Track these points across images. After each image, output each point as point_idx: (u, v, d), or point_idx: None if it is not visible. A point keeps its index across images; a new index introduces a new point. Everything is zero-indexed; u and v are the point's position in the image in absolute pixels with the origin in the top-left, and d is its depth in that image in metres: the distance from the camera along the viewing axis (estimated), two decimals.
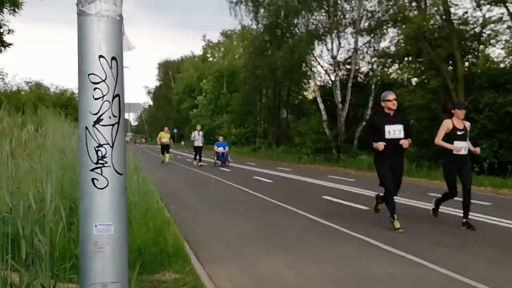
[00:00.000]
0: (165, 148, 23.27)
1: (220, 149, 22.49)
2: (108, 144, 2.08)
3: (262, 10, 28.39)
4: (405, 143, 6.73)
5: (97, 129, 2.06)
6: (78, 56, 2.09)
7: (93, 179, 2.06)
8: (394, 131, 6.71)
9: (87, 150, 2.06)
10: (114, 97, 2.10)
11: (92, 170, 2.06)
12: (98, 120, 2.06)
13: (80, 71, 2.08)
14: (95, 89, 2.06)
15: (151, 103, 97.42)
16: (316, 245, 5.87)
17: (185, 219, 7.46)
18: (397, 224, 6.70)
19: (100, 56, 2.07)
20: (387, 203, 6.94)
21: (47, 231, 3.37)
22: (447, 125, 7.00)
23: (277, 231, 6.80)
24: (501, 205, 9.82)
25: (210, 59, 65.01)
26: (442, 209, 8.78)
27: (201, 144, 22.26)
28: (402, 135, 6.74)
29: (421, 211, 8.79)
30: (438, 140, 7.10)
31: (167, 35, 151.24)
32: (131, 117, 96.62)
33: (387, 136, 6.69)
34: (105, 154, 2.07)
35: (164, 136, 23.12)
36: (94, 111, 2.06)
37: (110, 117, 2.09)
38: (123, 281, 2.15)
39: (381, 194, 7.25)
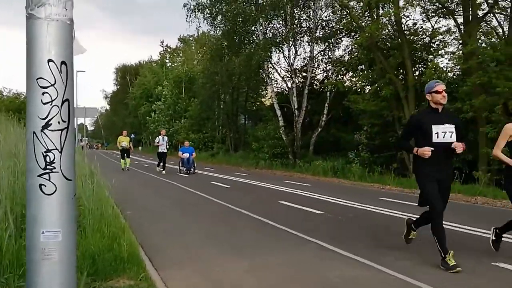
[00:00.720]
0: (124, 152, 22.11)
1: (186, 155, 20.66)
2: (56, 149, 2.05)
3: (219, 17, 28.44)
4: (459, 146, 5.13)
5: (45, 134, 2.03)
6: (27, 60, 2.06)
7: (40, 185, 2.03)
8: (444, 132, 5.17)
9: (35, 156, 2.03)
10: (63, 102, 2.08)
11: (39, 175, 2.03)
12: (46, 125, 2.03)
13: (29, 75, 2.05)
14: (43, 93, 2.03)
15: (108, 107, 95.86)
16: (273, 249, 5.93)
17: (141, 225, 7.38)
18: (451, 261, 4.92)
19: (49, 60, 2.04)
20: (434, 232, 5.19)
21: None
22: (509, 131, 5.39)
23: (233, 236, 6.82)
24: (448, 208, 10.17)
25: (169, 64, 64.52)
26: (396, 213, 9.08)
27: (165, 150, 20.88)
28: (454, 138, 5.18)
29: (373, 215, 9.02)
30: (497, 152, 5.47)
31: (125, 39, 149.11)
32: (87, 121, 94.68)
33: (434, 139, 5.14)
34: (53, 160, 2.04)
35: (123, 140, 22.08)
36: (43, 116, 2.03)
37: (59, 122, 2.06)
38: None
39: (413, 219, 5.96)
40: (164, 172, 20.24)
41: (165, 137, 21.22)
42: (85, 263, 4.19)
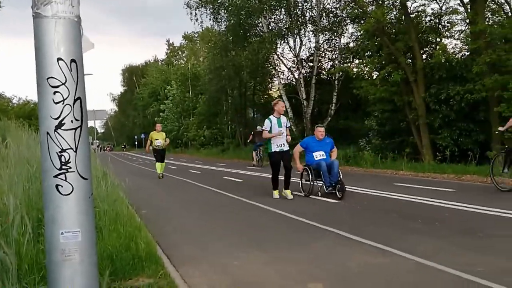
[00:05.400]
0: (160, 154, 16.12)
1: (319, 155, 9.93)
2: (71, 148, 2.03)
3: (222, 12, 28.32)
4: None
5: (59, 134, 2.01)
6: (36, 60, 2.03)
7: (57, 186, 2.00)
8: None
9: (50, 156, 2.00)
10: (75, 101, 2.05)
11: (55, 176, 2.00)
12: (59, 125, 2.01)
13: (39, 75, 2.02)
14: (55, 93, 2.00)
15: (116, 109, 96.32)
16: (290, 240, 5.89)
17: (157, 223, 7.38)
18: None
19: (59, 59, 2.01)
20: None
21: (12, 243, 3.26)
22: None
23: (251, 229, 6.80)
24: (465, 190, 10.12)
25: (174, 63, 64.65)
26: (411, 197, 9.02)
27: (287, 147, 9.85)
28: None
29: (389, 200, 8.96)
30: None
31: (129, 40, 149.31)
32: (98, 124, 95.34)
33: None
34: (68, 159, 2.02)
35: (158, 137, 15.84)
36: (55, 116, 2.01)
37: (72, 121, 2.03)
38: None
39: None
40: (290, 197, 9.70)
41: (283, 118, 9.98)
42: (104, 263, 4.19)
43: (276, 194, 9.92)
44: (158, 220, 7.81)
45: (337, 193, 9.29)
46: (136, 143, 76.12)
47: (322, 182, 9.72)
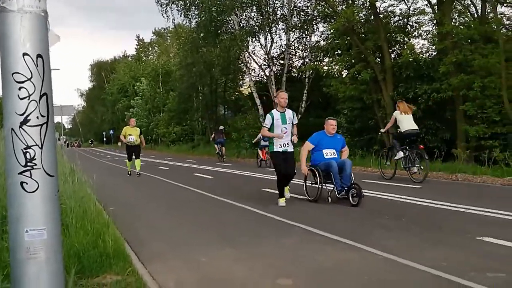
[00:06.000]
0: (133, 150, 15.36)
1: (330, 153, 8.62)
2: (36, 145, 1.99)
3: (193, 8, 28.08)
4: None
5: (24, 130, 1.97)
6: (1, 55, 1.99)
7: (22, 183, 1.96)
8: None
9: (14, 153, 1.97)
10: (41, 96, 2.02)
11: (20, 173, 1.97)
12: (25, 121, 1.97)
13: (4, 70, 1.98)
14: (20, 88, 1.97)
15: (84, 104, 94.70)
16: (260, 236, 5.93)
17: (125, 219, 7.29)
18: None
19: (25, 54, 1.98)
20: None
21: None
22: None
23: (220, 225, 6.80)
24: (431, 187, 10.37)
25: (144, 59, 63.93)
26: (376, 193, 9.18)
27: (292, 148, 8.48)
28: None
29: None
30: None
31: (97, 35, 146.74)
32: (64, 120, 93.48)
33: None
34: (34, 156, 1.98)
35: (131, 133, 15.19)
36: (20, 112, 1.97)
37: (37, 117, 2.00)
38: None
39: None
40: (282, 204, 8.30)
41: (289, 112, 8.47)
42: (70, 261, 4.13)
43: (281, 201, 8.31)
44: (126, 216, 7.72)
45: (351, 199, 7.95)
46: (105, 139, 74.99)
47: (332, 186, 8.35)
